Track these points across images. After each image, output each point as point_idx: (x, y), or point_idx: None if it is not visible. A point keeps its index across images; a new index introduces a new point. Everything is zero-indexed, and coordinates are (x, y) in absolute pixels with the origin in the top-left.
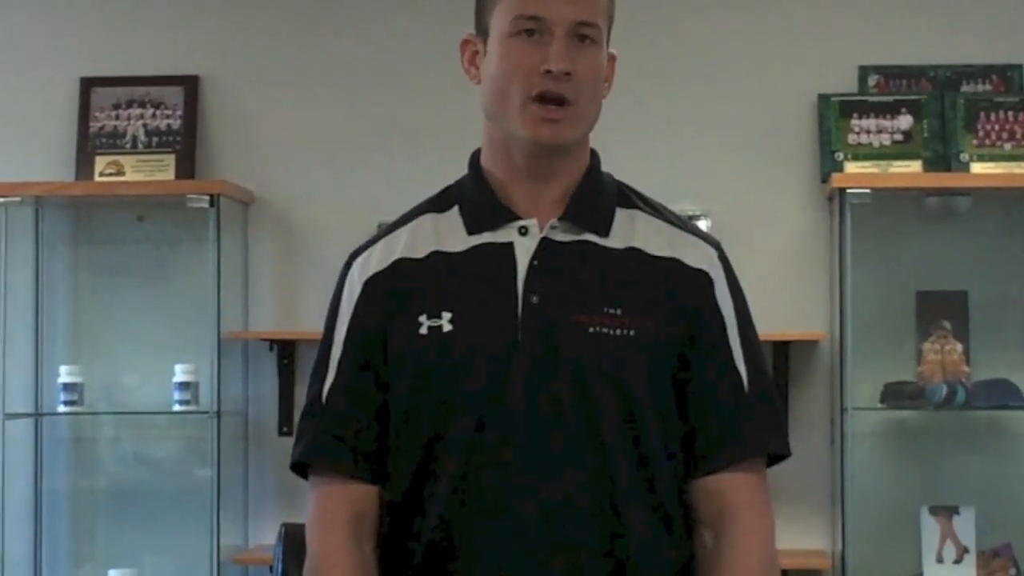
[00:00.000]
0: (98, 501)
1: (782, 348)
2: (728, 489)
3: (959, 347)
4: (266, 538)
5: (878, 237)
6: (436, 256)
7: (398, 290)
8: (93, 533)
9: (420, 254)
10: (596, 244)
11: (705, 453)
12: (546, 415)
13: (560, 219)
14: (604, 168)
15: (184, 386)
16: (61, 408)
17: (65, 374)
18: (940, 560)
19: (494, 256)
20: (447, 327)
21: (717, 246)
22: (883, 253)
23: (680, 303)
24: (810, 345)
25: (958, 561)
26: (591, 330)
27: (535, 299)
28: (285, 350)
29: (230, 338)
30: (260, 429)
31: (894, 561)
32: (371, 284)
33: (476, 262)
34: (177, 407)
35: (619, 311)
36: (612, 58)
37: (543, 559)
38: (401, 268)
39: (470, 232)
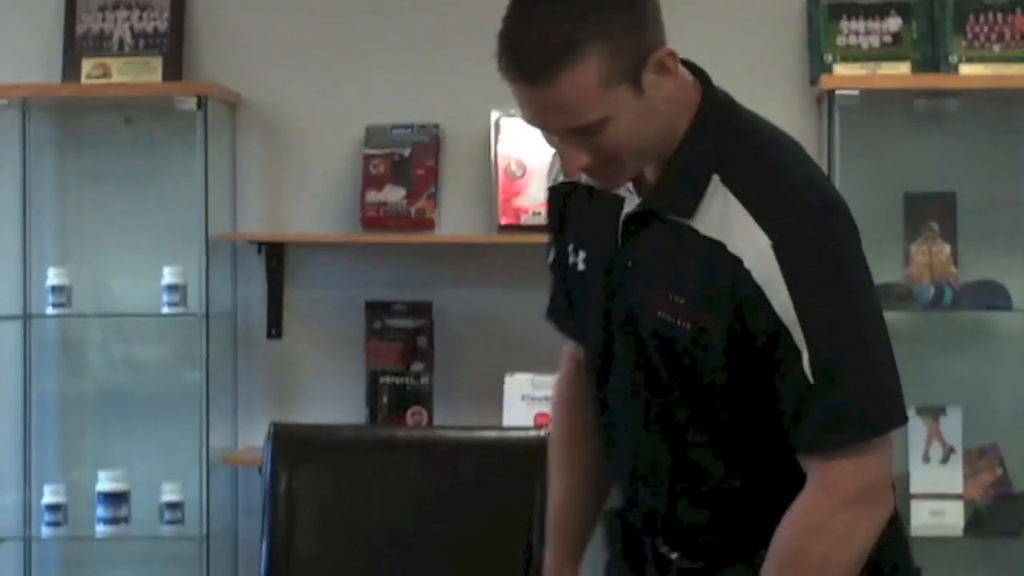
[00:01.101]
0: (87, 404)
1: None
2: (804, 466)
3: (947, 249)
4: (255, 440)
5: (866, 139)
6: (580, 187)
7: (557, 209)
8: (82, 436)
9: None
10: (677, 222)
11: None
12: (627, 391)
13: (641, 203)
14: None
15: (172, 288)
16: (50, 311)
17: (53, 276)
18: (927, 460)
19: (610, 208)
20: (581, 266)
21: (776, 235)
22: (871, 155)
23: (725, 292)
24: None
25: (944, 461)
26: (659, 314)
27: (629, 263)
28: (273, 252)
29: (218, 240)
30: (249, 331)
31: None
32: (551, 192)
33: (599, 209)
34: (166, 309)
35: (682, 300)
36: (662, 66)
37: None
38: (563, 187)
39: None
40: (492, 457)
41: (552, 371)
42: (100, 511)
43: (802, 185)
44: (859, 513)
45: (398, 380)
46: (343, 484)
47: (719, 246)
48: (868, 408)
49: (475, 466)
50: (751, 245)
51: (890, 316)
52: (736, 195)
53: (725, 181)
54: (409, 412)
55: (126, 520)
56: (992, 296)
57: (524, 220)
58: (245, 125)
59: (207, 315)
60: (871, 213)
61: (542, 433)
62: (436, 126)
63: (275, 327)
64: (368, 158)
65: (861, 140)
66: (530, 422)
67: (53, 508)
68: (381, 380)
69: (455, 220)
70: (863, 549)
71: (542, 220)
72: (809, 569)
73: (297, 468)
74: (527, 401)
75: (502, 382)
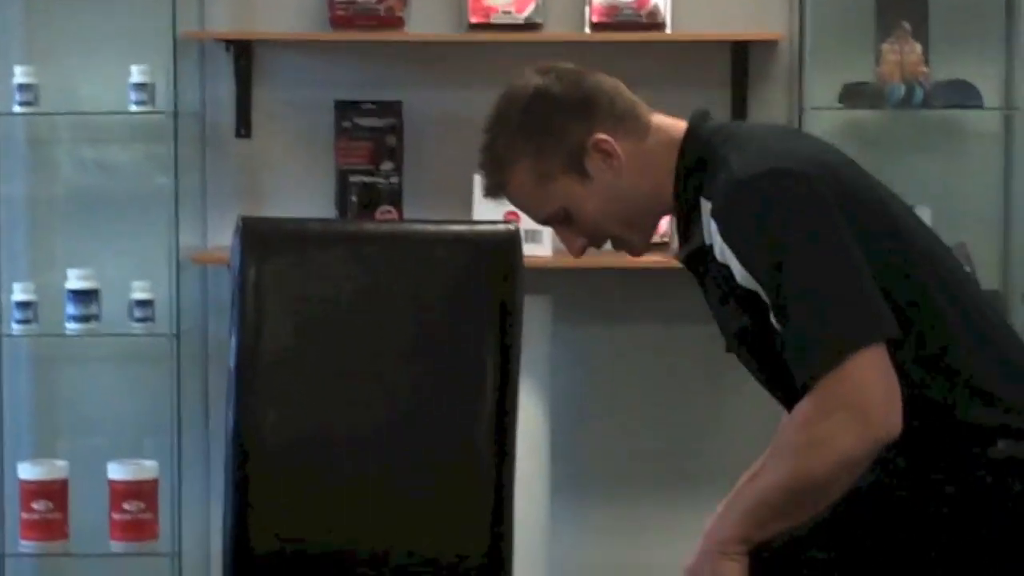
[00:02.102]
0: (56, 205)
1: (740, 49)
2: None
3: (918, 48)
4: (224, 239)
5: None
6: None
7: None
8: (51, 237)
9: None
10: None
11: None
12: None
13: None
14: None
15: (140, 87)
16: (16, 108)
17: (20, 74)
18: None
19: None
20: None
21: (715, 212)
22: None
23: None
24: (769, 45)
25: None
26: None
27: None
28: (242, 51)
29: (186, 39)
30: (217, 131)
31: None
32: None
33: None
34: (134, 108)
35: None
36: (600, 151)
37: None
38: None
39: None
40: (462, 250)
41: None
42: (70, 309)
43: (744, 161)
44: (841, 426)
45: (367, 179)
46: (312, 277)
47: (710, 249)
48: (825, 339)
49: (445, 259)
50: (708, 229)
51: (860, 115)
52: (706, 197)
53: (704, 196)
54: (378, 211)
55: (96, 318)
56: (963, 95)
57: (494, 19)
58: None
59: (176, 113)
60: (842, 11)
61: (511, 227)
62: None
63: (244, 127)
64: None
65: None
66: None
67: (23, 305)
68: (350, 179)
69: (425, 18)
70: (845, 459)
71: (512, 19)
72: (790, 455)
73: (266, 261)
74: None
75: (471, 182)
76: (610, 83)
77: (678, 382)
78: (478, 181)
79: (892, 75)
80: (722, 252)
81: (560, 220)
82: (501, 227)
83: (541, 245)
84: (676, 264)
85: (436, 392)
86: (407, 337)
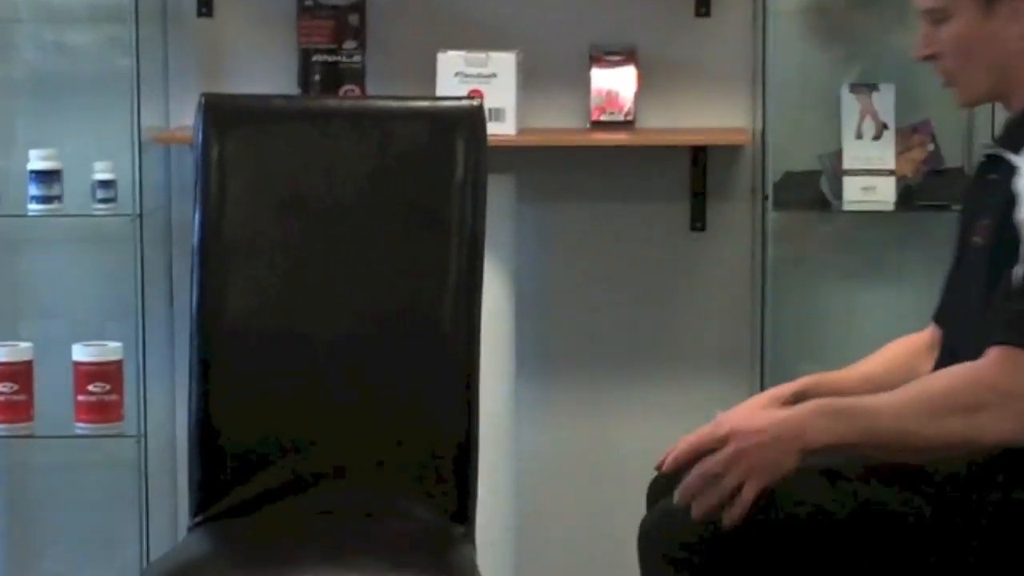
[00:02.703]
0: (16, 87)
1: None
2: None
3: None
4: (186, 119)
5: None
6: None
7: None
8: (12, 119)
9: None
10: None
11: None
12: None
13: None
14: None
15: None
16: None
17: None
18: (859, 136)
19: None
20: None
21: None
22: None
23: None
24: None
25: (877, 137)
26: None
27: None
28: None
29: None
30: (179, 9)
31: (814, 137)
32: None
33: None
34: None
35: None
36: (1015, 9)
37: None
38: None
39: None
40: (426, 126)
41: (486, 49)
42: (32, 189)
43: None
44: (994, 405)
45: (330, 58)
46: (275, 154)
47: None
48: None
49: (409, 136)
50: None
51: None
52: None
53: None
54: (342, 90)
55: (59, 199)
56: None
57: None
58: None
59: None
60: None
61: (475, 103)
62: None
63: (205, 5)
64: None
65: None
66: None
67: None
68: (313, 58)
69: None
70: (980, 435)
71: None
72: (926, 401)
73: (228, 137)
74: (460, 78)
75: (435, 60)
76: None
77: (642, 261)
78: (442, 60)
79: None
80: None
81: (930, 19)
82: (465, 103)
83: (505, 124)
84: (639, 142)
85: (400, 269)
86: (371, 213)
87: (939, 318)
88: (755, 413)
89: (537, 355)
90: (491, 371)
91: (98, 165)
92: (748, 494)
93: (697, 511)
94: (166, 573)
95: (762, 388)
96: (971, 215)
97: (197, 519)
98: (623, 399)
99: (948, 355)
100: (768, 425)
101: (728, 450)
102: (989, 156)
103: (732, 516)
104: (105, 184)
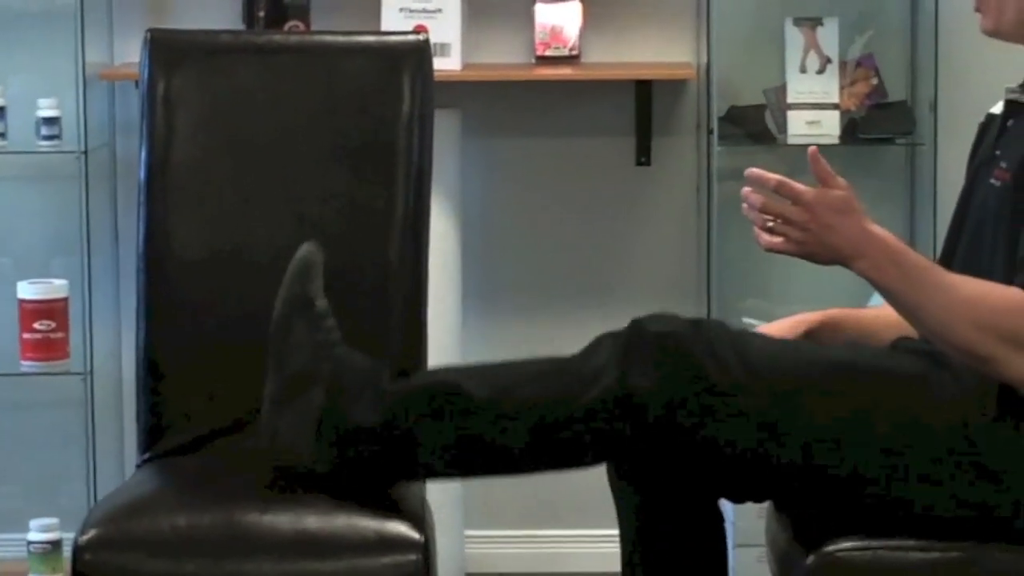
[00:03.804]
0: None
1: None
2: None
3: None
4: (131, 55)
5: None
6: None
7: None
8: None
9: None
10: None
11: None
12: None
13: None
14: None
15: None
16: None
17: None
18: (803, 70)
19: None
20: None
21: None
22: None
23: None
24: None
25: (821, 71)
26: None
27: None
28: None
29: None
30: None
31: (758, 72)
32: None
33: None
34: None
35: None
36: None
37: None
38: None
39: None
40: (372, 61)
41: None
42: None
43: None
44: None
45: None
46: (221, 89)
47: None
48: None
49: (355, 70)
50: None
51: None
52: None
53: None
54: (287, 25)
55: (3, 136)
56: None
57: None
58: None
59: None
60: None
61: (421, 38)
62: None
63: None
64: None
65: None
66: None
67: None
68: None
69: None
70: (1007, 369)
71: None
72: (978, 310)
73: (174, 73)
74: (405, 13)
75: None
76: None
77: (588, 195)
78: None
79: None
80: None
81: None
82: (411, 38)
83: (450, 59)
84: (584, 76)
85: (347, 203)
86: (318, 148)
87: (946, 259)
88: (846, 218)
89: (482, 288)
90: (437, 303)
91: (42, 102)
92: (789, 248)
93: (754, 218)
94: (114, 510)
95: None
96: (988, 159)
97: (145, 456)
98: (568, 332)
99: None
100: (849, 229)
101: (806, 215)
102: (1009, 102)
103: (765, 243)
104: (49, 121)
